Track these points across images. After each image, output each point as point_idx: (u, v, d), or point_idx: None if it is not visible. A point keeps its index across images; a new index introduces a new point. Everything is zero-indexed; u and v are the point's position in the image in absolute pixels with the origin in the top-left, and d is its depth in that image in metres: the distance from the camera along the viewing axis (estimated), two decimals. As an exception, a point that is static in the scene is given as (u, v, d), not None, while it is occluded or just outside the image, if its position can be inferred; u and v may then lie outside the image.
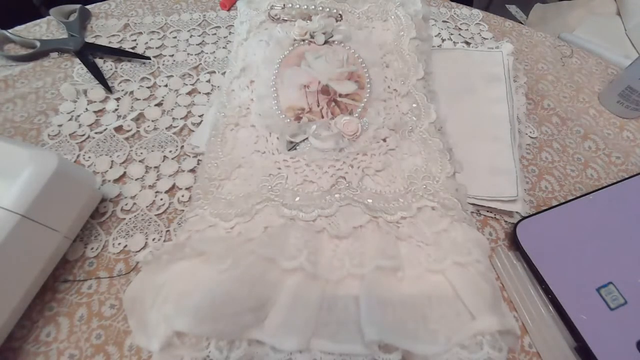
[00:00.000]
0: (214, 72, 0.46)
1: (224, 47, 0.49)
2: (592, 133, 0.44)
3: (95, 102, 0.42)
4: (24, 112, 0.41)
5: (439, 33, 0.53)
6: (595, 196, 0.36)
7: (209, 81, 0.45)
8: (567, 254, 0.32)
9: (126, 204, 0.35)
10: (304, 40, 0.38)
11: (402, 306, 0.26)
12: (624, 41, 0.76)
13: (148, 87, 0.44)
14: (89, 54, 0.46)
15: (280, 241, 0.28)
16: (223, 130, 0.35)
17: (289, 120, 0.34)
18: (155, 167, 0.38)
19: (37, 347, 0.28)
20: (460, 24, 0.55)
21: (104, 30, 0.50)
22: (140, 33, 0.50)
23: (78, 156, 0.38)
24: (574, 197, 0.36)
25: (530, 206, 0.37)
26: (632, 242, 0.33)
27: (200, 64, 0.47)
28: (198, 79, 0.45)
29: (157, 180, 0.37)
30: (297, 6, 0.40)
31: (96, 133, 0.40)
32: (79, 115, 0.41)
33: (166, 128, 0.41)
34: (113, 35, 0.49)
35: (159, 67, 0.46)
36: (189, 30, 0.51)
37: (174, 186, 0.37)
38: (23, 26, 0.49)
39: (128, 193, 0.36)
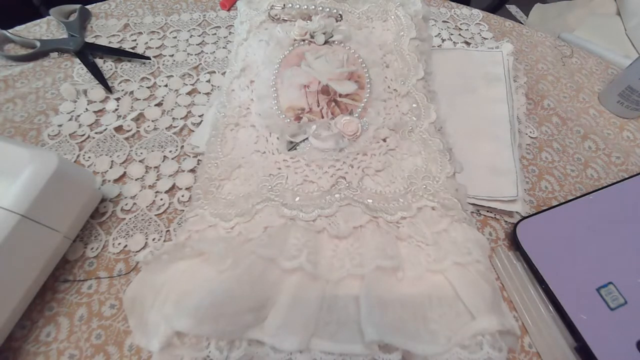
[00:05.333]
0: (214, 72, 0.46)
1: (224, 47, 0.49)
2: (592, 133, 0.44)
3: (95, 102, 0.42)
4: (24, 112, 0.41)
5: (439, 33, 0.53)
6: (595, 196, 0.36)
7: (209, 81, 0.45)
8: (567, 254, 0.32)
9: (126, 204, 0.35)
10: (304, 40, 0.38)
11: (402, 306, 0.26)
12: (624, 41, 0.76)
13: (148, 87, 0.44)
14: (89, 54, 0.46)
15: (280, 241, 0.28)
16: (223, 130, 0.35)
17: (289, 120, 0.34)
18: (155, 167, 0.38)
19: (37, 347, 0.28)
20: (460, 24, 0.55)
21: (104, 30, 0.50)
22: (140, 33, 0.50)
23: (78, 156, 0.38)
24: (574, 197, 0.36)
25: (530, 206, 0.37)
26: (632, 242, 0.33)
27: (200, 64, 0.47)
28: (198, 79, 0.45)
29: (157, 180, 0.37)
30: (297, 6, 0.40)
31: (96, 133, 0.40)
32: (79, 115, 0.41)
33: (166, 128, 0.41)
34: (113, 35, 0.49)
35: (159, 67, 0.46)
36: (189, 30, 0.51)
37: (174, 186, 0.37)
38: (23, 26, 0.49)
39: (128, 193, 0.36)
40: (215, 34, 0.51)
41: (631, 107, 0.44)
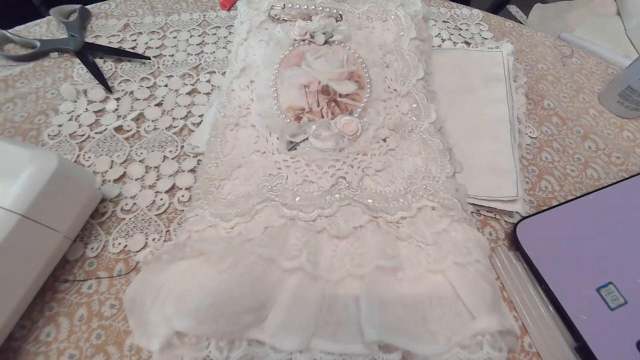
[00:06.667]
0: (214, 72, 0.46)
1: (224, 47, 0.49)
2: (592, 133, 0.44)
3: (95, 102, 0.42)
4: (24, 112, 0.41)
5: (439, 33, 0.53)
6: (595, 196, 0.36)
7: (209, 81, 0.45)
8: (567, 254, 0.32)
9: (126, 204, 0.35)
10: (304, 40, 0.38)
11: (402, 306, 0.26)
12: (624, 41, 0.76)
13: (148, 87, 0.44)
14: (89, 54, 0.46)
15: (280, 241, 0.28)
16: (223, 130, 0.35)
17: (289, 120, 0.34)
18: (155, 167, 0.38)
19: (37, 347, 0.28)
20: (460, 24, 0.55)
21: (104, 30, 0.50)
22: (140, 33, 0.50)
23: (78, 156, 0.38)
24: (574, 197, 0.36)
25: (530, 206, 0.37)
26: (632, 242, 0.33)
27: (200, 64, 0.47)
28: (198, 79, 0.45)
29: (157, 180, 0.37)
30: (297, 6, 0.40)
31: (96, 133, 0.40)
32: (79, 115, 0.41)
33: (166, 128, 0.41)
34: (113, 35, 0.49)
35: (159, 67, 0.46)
36: (189, 30, 0.51)
37: (174, 186, 0.37)
38: (23, 26, 0.49)
39: (128, 193, 0.36)
40: (215, 34, 0.51)
41: (631, 107, 0.44)
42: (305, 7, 0.40)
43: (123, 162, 0.38)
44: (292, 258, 0.27)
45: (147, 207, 0.35)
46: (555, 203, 0.37)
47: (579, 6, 0.87)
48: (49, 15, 0.49)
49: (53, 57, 0.46)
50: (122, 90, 0.44)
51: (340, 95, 0.35)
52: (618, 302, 0.30)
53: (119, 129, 0.40)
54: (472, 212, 0.33)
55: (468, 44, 0.52)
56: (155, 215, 0.35)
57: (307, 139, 0.33)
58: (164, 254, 0.27)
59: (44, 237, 0.28)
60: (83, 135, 0.39)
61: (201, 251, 0.27)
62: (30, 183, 0.26)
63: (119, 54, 0.46)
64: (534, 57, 0.52)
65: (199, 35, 0.50)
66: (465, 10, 0.57)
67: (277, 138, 0.34)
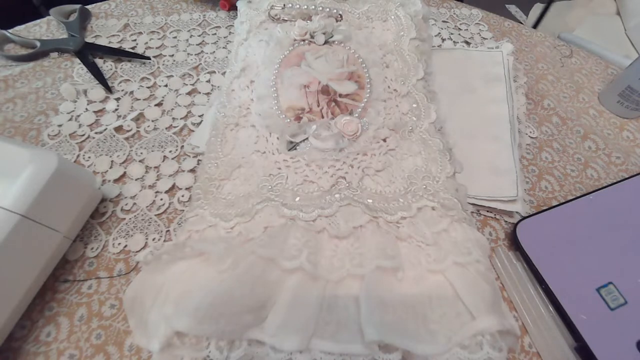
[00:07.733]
0: (214, 72, 0.46)
1: (224, 47, 0.49)
2: (592, 133, 0.44)
3: (95, 102, 0.42)
4: (24, 112, 0.41)
5: (439, 33, 0.53)
6: (595, 196, 0.36)
7: (209, 81, 0.45)
8: (567, 254, 0.32)
9: (126, 204, 0.35)
10: (304, 40, 0.38)
11: (402, 306, 0.26)
12: (624, 41, 0.76)
13: (148, 87, 0.44)
14: (89, 54, 0.46)
15: (280, 241, 0.28)
16: (223, 130, 0.35)
17: (289, 120, 0.34)
18: (155, 167, 0.38)
19: (37, 347, 0.28)
20: (460, 24, 0.55)
21: (104, 30, 0.50)
22: (140, 33, 0.50)
23: (78, 156, 0.38)
24: (574, 197, 0.36)
25: (530, 206, 0.37)
26: (632, 242, 0.33)
27: (200, 64, 0.47)
28: (198, 79, 0.45)
29: (157, 180, 0.37)
30: (297, 6, 0.40)
31: (96, 133, 0.39)
32: (79, 115, 0.41)
33: (166, 128, 0.41)
34: (113, 35, 0.49)
35: (159, 67, 0.46)
36: (189, 30, 0.51)
37: (174, 186, 0.37)
38: (23, 26, 0.49)
39: (128, 193, 0.36)
40: (215, 34, 0.51)
41: (631, 107, 0.44)
42: (305, 7, 0.40)
43: (123, 162, 0.38)
44: (292, 258, 0.27)
45: (147, 207, 0.35)
46: (555, 203, 0.37)
47: (579, 6, 0.87)
48: (49, 15, 0.49)
49: (53, 57, 0.46)
50: (122, 90, 0.44)
51: (340, 95, 0.35)
52: (618, 302, 0.30)
53: (119, 129, 0.40)
54: (472, 212, 0.33)
55: (468, 43, 0.52)
56: (155, 215, 0.35)
57: (307, 139, 0.33)
58: (164, 254, 0.27)
59: (44, 237, 0.28)
60: (83, 135, 0.39)
61: (201, 251, 0.27)
62: (30, 183, 0.26)
63: (119, 54, 0.46)
64: (533, 57, 0.52)
65: (199, 35, 0.50)
66: (465, 10, 0.57)
67: (277, 138, 0.34)
